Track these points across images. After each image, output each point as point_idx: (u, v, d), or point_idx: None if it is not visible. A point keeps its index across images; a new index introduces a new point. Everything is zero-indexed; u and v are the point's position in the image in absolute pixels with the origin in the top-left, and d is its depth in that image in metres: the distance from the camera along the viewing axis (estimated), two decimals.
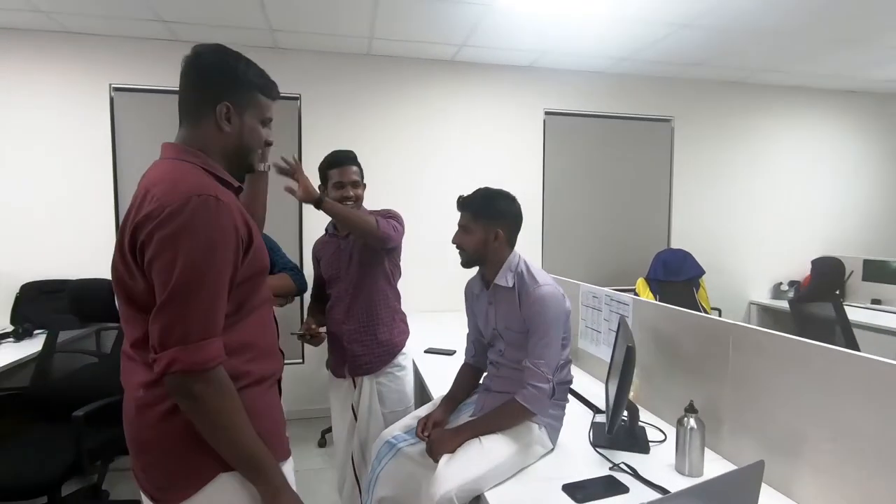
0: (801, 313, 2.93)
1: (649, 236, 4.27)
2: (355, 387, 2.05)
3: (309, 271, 2.27)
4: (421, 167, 3.84)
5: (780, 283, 4.48)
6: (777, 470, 1.34)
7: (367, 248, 1.96)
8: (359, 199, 2.00)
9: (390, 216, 1.95)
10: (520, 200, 1.65)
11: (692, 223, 4.35)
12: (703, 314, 1.65)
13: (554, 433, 1.58)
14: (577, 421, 1.77)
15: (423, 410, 1.72)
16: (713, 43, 3.40)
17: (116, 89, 3.34)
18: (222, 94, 1.04)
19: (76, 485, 2.58)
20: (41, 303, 3.19)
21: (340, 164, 1.99)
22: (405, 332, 2.12)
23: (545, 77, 3.99)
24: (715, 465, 1.48)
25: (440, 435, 1.51)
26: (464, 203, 1.62)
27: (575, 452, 1.58)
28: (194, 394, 0.91)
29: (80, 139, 3.30)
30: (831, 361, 1.23)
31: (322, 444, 3.28)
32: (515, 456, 1.44)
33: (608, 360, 2.04)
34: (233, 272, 0.97)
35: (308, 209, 3.62)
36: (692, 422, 1.43)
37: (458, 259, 1.65)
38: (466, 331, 1.85)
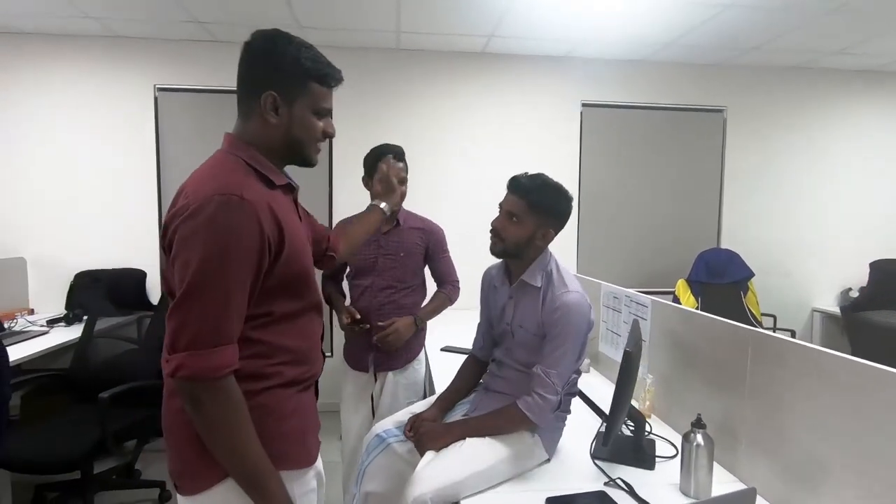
0: (857, 322, 2.61)
1: (696, 236, 3.98)
2: (376, 380, 2.08)
3: None
4: (451, 163, 3.77)
5: (850, 289, 4.04)
6: (795, 498, 1.17)
7: (411, 251, 2.10)
8: (403, 196, 1.95)
9: (455, 281, 2.24)
10: None
11: (746, 221, 4.01)
12: (724, 321, 1.48)
13: (550, 442, 1.48)
14: (585, 429, 1.64)
15: (419, 406, 1.66)
16: (768, 23, 3.10)
17: (160, 90, 3.51)
18: (268, 83, 0.97)
19: (111, 463, 2.73)
20: (92, 290, 3.42)
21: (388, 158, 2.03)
22: (426, 329, 2.20)
23: (582, 67, 3.81)
24: (726, 487, 1.32)
25: (430, 429, 1.45)
26: (521, 188, 1.44)
27: (574, 463, 1.47)
28: (198, 401, 0.89)
29: (127, 137, 3.49)
30: (861, 378, 1.06)
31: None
32: (502, 464, 1.36)
33: (640, 372, 1.90)
34: (255, 276, 0.91)
35: (338, 197, 3.66)
36: (699, 438, 1.28)
37: (486, 256, 1.55)
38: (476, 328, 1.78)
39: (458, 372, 1.73)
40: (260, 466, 0.93)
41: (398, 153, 2.06)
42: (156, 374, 2.70)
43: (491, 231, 1.50)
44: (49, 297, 3.47)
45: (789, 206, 4.03)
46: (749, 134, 3.99)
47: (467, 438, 1.41)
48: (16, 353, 2.55)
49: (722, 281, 3.21)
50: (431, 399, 1.69)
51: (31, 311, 3.46)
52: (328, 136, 1.06)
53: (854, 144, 4.07)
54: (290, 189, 1.07)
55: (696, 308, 3.18)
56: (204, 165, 0.99)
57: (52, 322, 3.13)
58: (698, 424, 1.30)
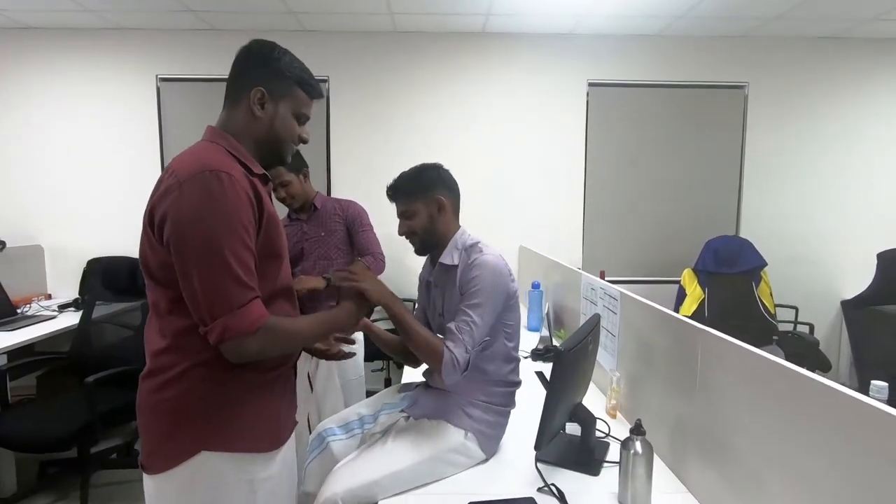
0: (866, 317, 2.38)
1: (714, 222, 3.74)
2: (311, 357, 2.09)
3: None
4: (450, 149, 3.68)
5: None
6: None
7: (331, 229, 2.22)
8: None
9: (377, 254, 2.29)
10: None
11: (768, 206, 3.75)
12: (677, 316, 1.36)
13: (488, 442, 1.41)
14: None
15: (365, 406, 1.61)
16: None
17: (162, 80, 3.57)
18: (259, 79, 1.06)
19: (112, 442, 2.85)
20: (102, 277, 3.55)
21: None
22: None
23: (588, 44, 3.62)
24: (670, 498, 1.22)
25: (371, 277, 1.28)
26: (393, 189, 1.48)
27: (515, 465, 1.39)
28: (257, 351, 0.96)
29: (131, 128, 3.58)
30: (799, 390, 0.93)
31: None
32: (428, 463, 1.30)
33: (607, 369, 1.80)
34: (253, 241, 0.98)
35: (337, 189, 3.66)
36: (637, 445, 1.18)
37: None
38: None
39: None
40: (325, 324, 1.14)
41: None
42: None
43: (406, 237, 1.49)
44: (65, 283, 3.63)
45: (816, 190, 3.73)
46: (773, 112, 3.70)
47: (390, 434, 1.37)
48: (23, 335, 2.69)
49: (731, 271, 3.00)
50: (373, 398, 1.64)
51: (49, 297, 3.63)
52: (303, 141, 1.16)
53: (889, 123, 3.71)
54: (265, 180, 1.11)
55: (703, 300, 3.00)
56: (186, 151, 1.03)
57: (63, 307, 3.27)
58: (637, 431, 1.19)
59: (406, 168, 1.51)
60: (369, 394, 3.00)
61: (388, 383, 3.32)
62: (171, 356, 0.98)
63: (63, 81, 3.54)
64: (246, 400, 1.02)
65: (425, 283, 1.60)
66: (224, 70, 1.12)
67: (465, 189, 3.84)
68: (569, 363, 1.23)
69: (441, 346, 1.32)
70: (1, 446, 2.34)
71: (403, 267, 3.64)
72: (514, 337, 1.47)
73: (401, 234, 1.49)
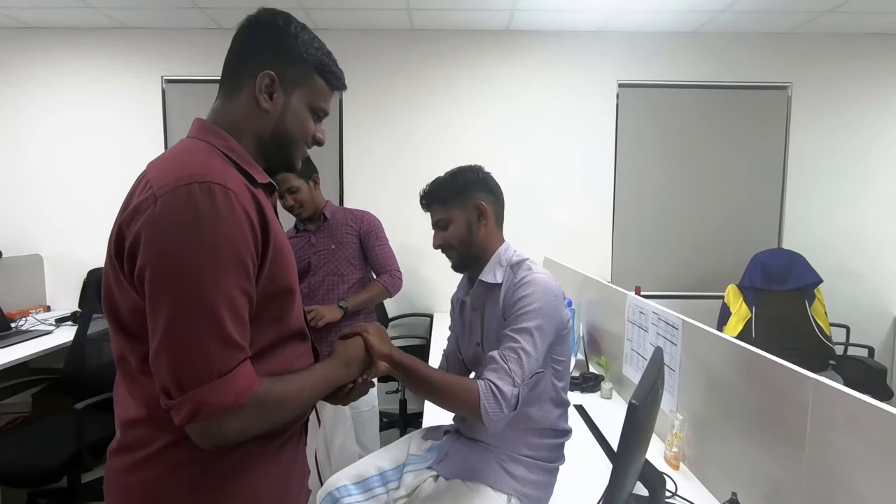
0: None
1: (753, 233, 3.48)
2: None
3: None
4: (472, 153, 3.45)
5: None
6: None
7: (342, 241, 2.02)
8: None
9: (394, 271, 2.08)
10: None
11: (812, 215, 3.47)
12: (771, 358, 1.12)
13: None
14: (594, 479, 1.33)
15: (385, 458, 1.37)
16: None
17: (168, 81, 3.39)
18: (269, 61, 0.81)
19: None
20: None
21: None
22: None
23: (618, 42, 3.38)
24: None
25: (377, 329, 1.08)
26: (426, 196, 1.27)
27: None
28: (238, 432, 0.71)
29: (135, 132, 3.40)
30: None
31: None
32: None
33: (666, 410, 1.55)
34: (251, 279, 0.72)
35: (350, 196, 3.44)
36: None
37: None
38: None
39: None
40: (326, 380, 0.85)
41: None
42: None
43: (441, 251, 1.28)
44: (65, 294, 3.45)
45: (865, 198, 3.44)
46: (818, 114, 3.43)
47: (417, 500, 1.14)
48: (15, 353, 2.50)
49: (783, 288, 2.73)
50: (395, 447, 1.40)
51: (48, 308, 3.46)
52: (317, 142, 0.90)
53: None
54: (271, 190, 0.86)
55: (750, 319, 2.73)
56: (167, 153, 0.80)
57: (60, 320, 3.08)
58: None
59: (424, 174, 1.32)
60: (383, 418, 2.76)
61: (403, 406, 3.09)
62: (146, 429, 0.73)
63: (64, 83, 3.38)
64: (244, 483, 0.76)
65: (459, 304, 1.37)
66: None
67: None
68: (644, 417, 0.99)
69: (473, 385, 1.06)
70: None
71: (417, 279, 3.42)
72: (564, 376, 1.24)
73: (436, 246, 1.28)
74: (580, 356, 2.22)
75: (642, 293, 3.18)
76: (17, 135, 3.40)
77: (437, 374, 1.09)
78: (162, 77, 3.38)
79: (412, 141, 3.45)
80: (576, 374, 2.10)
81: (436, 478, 1.22)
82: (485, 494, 1.13)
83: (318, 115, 0.89)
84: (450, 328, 1.45)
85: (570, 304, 2.49)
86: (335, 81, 0.89)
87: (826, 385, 0.95)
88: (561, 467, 1.27)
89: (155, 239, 0.67)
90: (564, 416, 1.25)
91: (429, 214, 1.29)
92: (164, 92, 3.39)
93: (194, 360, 0.66)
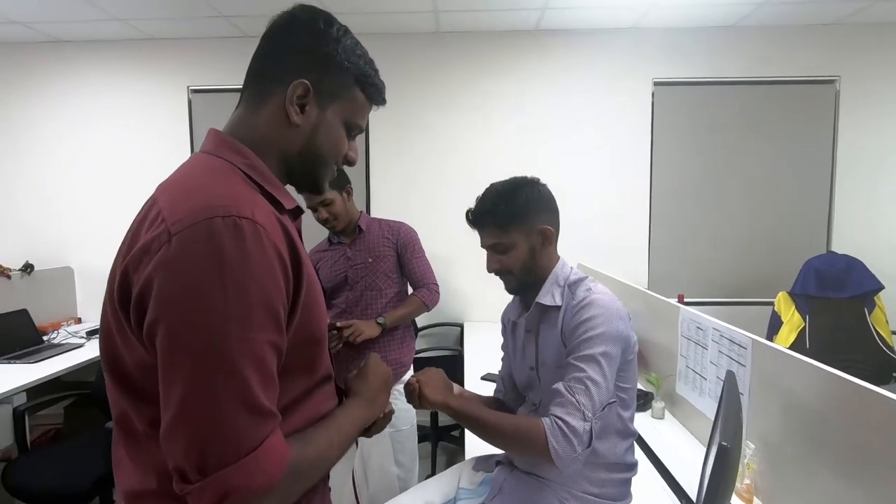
0: None
1: (799, 236, 3.30)
2: None
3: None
4: (503, 155, 3.34)
5: None
6: None
7: (380, 254, 1.95)
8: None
9: (432, 284, 2.02)
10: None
11: (862, 216, 3.27)
12: (849, 377, 1.00)
13: None
14: None
15: (434, 490, 1.27)
16: None
17: (194, 91, 3.37)
18: (304, 68, 0.70)
19: None
20: None
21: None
22: (413, 350, 2.08)
23: (653, 39, 3.24)
24: None
25: (432, 376, 1.11)
26: (481, 216, 1.14)
27: None
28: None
29: (162, 142, 3.40)
30: None
31: None
32: None
33: (712, 417, 1.43)
34: (281, 329, 0.62)
35: (376, 204, 3.36)
36: None
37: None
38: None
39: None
40: (352, 430, 0.76)
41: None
42: None
43: (496, 274, 1.18)
44: (96, 306, 3.44)
45: None
46: (869, 108, 3.23)
47: None
48: (47, 369, 2.49)
49: (840, 295, 2.55)
50: (444, 478, 1.31)
51: (79, 321, 3.47)
52: (349, 162, 0.79)
53: None
54: (297, 214, 0.76)
55: (804, 329, 2.56)
56: (179, 174, 0.69)
57: (91, 333, 3.08)
58: None
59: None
60: (419, 430, 2.65)
61: (434, 418, 2.99)
62: (155, 503, 0.62)
63: (92, 96, 3.38)
64: None
65: (511, 326, 1.28)
66: None
67: None
68: (732, 466, 0.88)
69: (539, 425, 0.98)
70: (18, 499, 2.11)
71: (448, 288, 3.30)
72: (631, 404, 1.13)
73: (491, 270, 1.18)
74: None
75: (685, 300, 3.04)
76: (45, 148, 3.42)
77: (499, 418, 1.04)
78: (188, 87, 3.36)
79: (439, 146, 3.36)
80: None
81: None
82: None
83: (353, 132, 0.78)
84: (503, 348, 1.36)
85: None
86: (377, 95, 0.77)
87: None
88: None
89: (170, 288, 0.56)
90: (631, 449, 1.15)
91: (475, 231, 1.18)
92: (189, 102, 3.38)
93: (219, 437, 0.55)
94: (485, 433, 1.05)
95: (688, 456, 1.56)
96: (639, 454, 1.55)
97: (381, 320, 1.85)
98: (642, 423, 1.79)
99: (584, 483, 1.09)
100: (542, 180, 1.22)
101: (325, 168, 0.76)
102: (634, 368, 1.13)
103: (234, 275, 0.56)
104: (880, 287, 2.57)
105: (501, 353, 1.39)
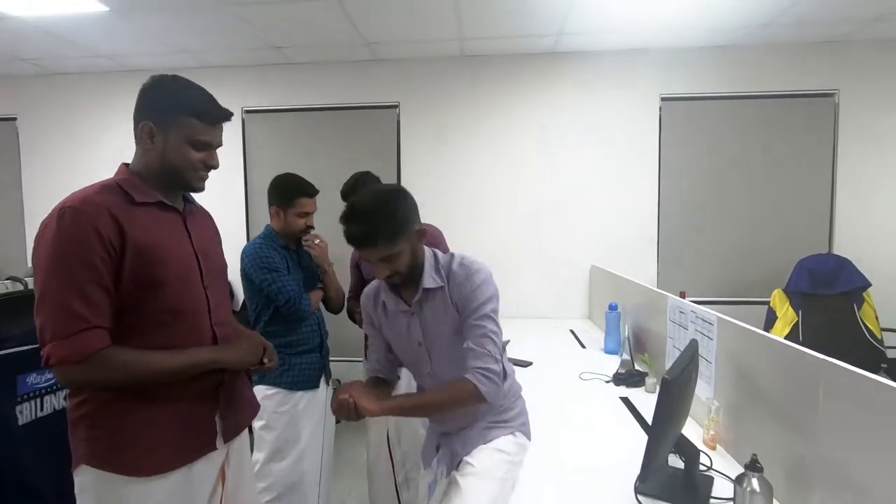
0: None
1: (803, 239, 3.50)
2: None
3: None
4: (522, 168, 3.67)
5: None
6: None
7: None
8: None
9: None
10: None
11: (863, 221, 3.46)
12: (788, 344, 1.28)
13: (526, 426, 1.48)
14: (634, 456, 1.51)
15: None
16: None
17: (247, 111, 3.82)
18: (147, 114, 1.15)
19: None
20: None
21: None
22: None
23: (660, 59, 3.53)
24: None
25: (360, 390, 1.25)
26: (366, 237, 1.23)
27: (614, 498, 1.34)
28: (86, 380, 1.06)
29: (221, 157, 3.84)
30: None
31: None
32: (505, 482, 1.33)
33: (703, 398, 1.72)
34: (102, 273, 1.04)
35: None
36: (755, 483, 1.11)
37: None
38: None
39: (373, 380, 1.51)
40: (190, 362, 1.13)
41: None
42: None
43: (386, 280, 1.32)
44: None
45: None
46: (868, 120, 3.44)
47: (460, 481, 1.29)
48: None
49: (829, 292, 2.77)
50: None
51: None
52: (209, 167, 1.20)
53: None
54: (166, 208, 1.19)
55: (797, 323, 2.79)
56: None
57: None
58: (753, 467, 1.12)
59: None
60: None
61: None
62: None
63: None
64: (137, 412, 1.10)
65: (386, 314, 1.42)
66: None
67: (535, 209, 3.80)
68: (675, 392, 1.18)
69: (466, 382, 1.25)
70: None
71: None
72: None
73: (383, 278, 1.30)
74: (625, 356, 2.38)
75: (688, 298, 3.29)
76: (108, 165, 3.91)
77: (434, 395, 1.35)
78: (242, 108, 3.81)
79: (462, 159, 3.70)
80: (622, 371, 2.27)
81: (454, 470, 1.38)
82: (499, 444, 1.38)
83: (199, 146, 1.17)
84: (369, 334, 1.51)
85: (615, 307, 2.66)
86: (209, 117, 1.17)
87: (833, 364, 1.11)
88: (609, 451, 1.53)
89: (34, 247, 1.07)
90: (513, 377, 1.50)
91: (369, 254, 1.26)
92: (243, 121, 3.82)
93: (48, 325, 1.01)
94: (429, 411, 1.36)
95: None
96: (632, 423, 1.84)
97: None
98: (637, 397, 2.08)
99: (498, 414, 1.42)
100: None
101: (185, 173, 1.17)
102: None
103: (54, 241, 1.02)
104: (868, 284, 2.78)
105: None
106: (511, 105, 3.67)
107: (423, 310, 1.36)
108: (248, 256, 2.04)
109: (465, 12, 2.91)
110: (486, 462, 1.33)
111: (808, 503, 1.18)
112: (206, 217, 1.39)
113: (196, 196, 1.32)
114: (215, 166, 1.21)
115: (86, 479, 1.09)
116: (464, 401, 1.28)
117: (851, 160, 3.46)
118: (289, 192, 2.06)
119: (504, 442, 1.38)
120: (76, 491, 1.11)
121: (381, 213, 1.22)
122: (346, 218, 1.24)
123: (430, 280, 1.33)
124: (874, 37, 3.34)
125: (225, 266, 1.38)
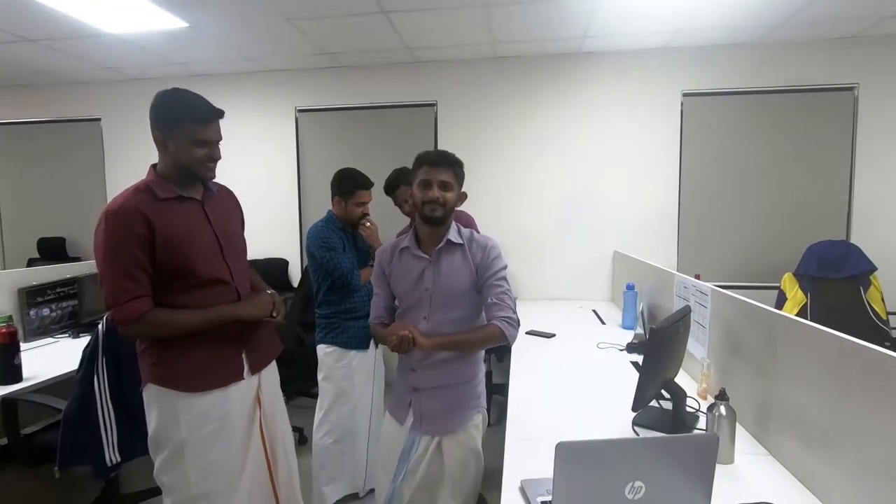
0: None
1: (821, 227, 3.66)
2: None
3: None
4: (548, 160, 3.96)
5: None
6: (808, 462, 1.26)
7: None
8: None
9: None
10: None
11: (883, 210, 3.60)
12: (759, 305, 1.56)
13: (485, 406, 1.78)
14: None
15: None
16: None
17: (300, 111, 4.24)
18: (156, 126, 1.48)
19: None
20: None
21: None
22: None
23: (681, 57, 3.75)
24: (752, 459, 1.43)
25: (414, 328, 1.55)
26: (445, 158, 1.63)
27: (614, 430, 1.66)
28: (136, 335, 1.51)
29: (274, 153, 4.28)
30: (843, 353, 1.13)
31: None
32: (476, 468, 1.69)
33: (699, 357, 2.01)
34: (141, 259, 1.41)
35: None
36: (722, 408, 1.41)
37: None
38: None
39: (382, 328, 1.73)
40: (212, 317, 1.50)
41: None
42: (295, 340, 3.28)
43: (431, 201, 1.59)
44: None
45: None
46: (887, 112, 3.57)
47: (457, 455, 1.66)
48: None
49: (838, 275, 2.97)
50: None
51: None
52: (213, 159, 1.53)
53: None
54: (185, 199, 1.53)
55: (805, 304, 3.00)
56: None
57: None
58: (722, 396, 1.43)
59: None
60: None
61: (488, 377, 3.62)
62: None
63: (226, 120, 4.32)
64: (184, 351, 1.49)
65: (398, 261, 1.69)
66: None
67: (562, 198, 4.08)
68: (662, 338, 1.49)
69: (495, 329, 1.58)
70: None
71: None
72: None
73: (431, 197, 1.58)
74: (639, 330, 2.67)
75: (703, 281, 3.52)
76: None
77: (469, 335, 1.62)
78: (295, 108, 4.23)
79: (494, 153, 4.02)
80: (635, 341, 2.56)
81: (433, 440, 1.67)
82: (474, 422, 1.70)
83: (201, 144, 1.48)
84: (377, 282, 1.76)
85: (632, 286, 2.94)
86: (202, 117, 1.47)
87: (788, 318, 1.40)
88: (616, 398, 1.81)
89: (94, 238, 1.45)
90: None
91: (436, 173, 1.61)
92: (296, 120, 4.25)
93: (107, 295, 1.42)
94: (465, 348, 1.63)
95: (684, 383, 2.13)
96: (634, 375, 2.14)
97: None
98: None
99: (471, 369, 1.73)
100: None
101: (194, 168, 1.50)
102: None
103: (102, 237, 1.40)
104: (874, 268, 2.96)
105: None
106: (540, 102, 3.95)
107: (440, 259, 1.65)
108: (311, 237, 2.43)
109: (495, 21, 3.21)
110: (469, 436, 1.68)
111: (768, 427, 1.48)
112: (226, 197, 1.74)
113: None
114: (218, 158, 1.55)
115: (151, 393, 1.52)
116: (492, 341, 1.62)
117: (870, 151, 3.60)
118: (349, 184, 2.43)
119: (479, 419, 1.72)
120: (144, 402, 1.55)
121: (458, 160, 1.68)
122: (436, 150, 1.68)
123: (455, 236, 1.66)
124: (892, 31, 3.46)
125: (242, 238, 1.74)
